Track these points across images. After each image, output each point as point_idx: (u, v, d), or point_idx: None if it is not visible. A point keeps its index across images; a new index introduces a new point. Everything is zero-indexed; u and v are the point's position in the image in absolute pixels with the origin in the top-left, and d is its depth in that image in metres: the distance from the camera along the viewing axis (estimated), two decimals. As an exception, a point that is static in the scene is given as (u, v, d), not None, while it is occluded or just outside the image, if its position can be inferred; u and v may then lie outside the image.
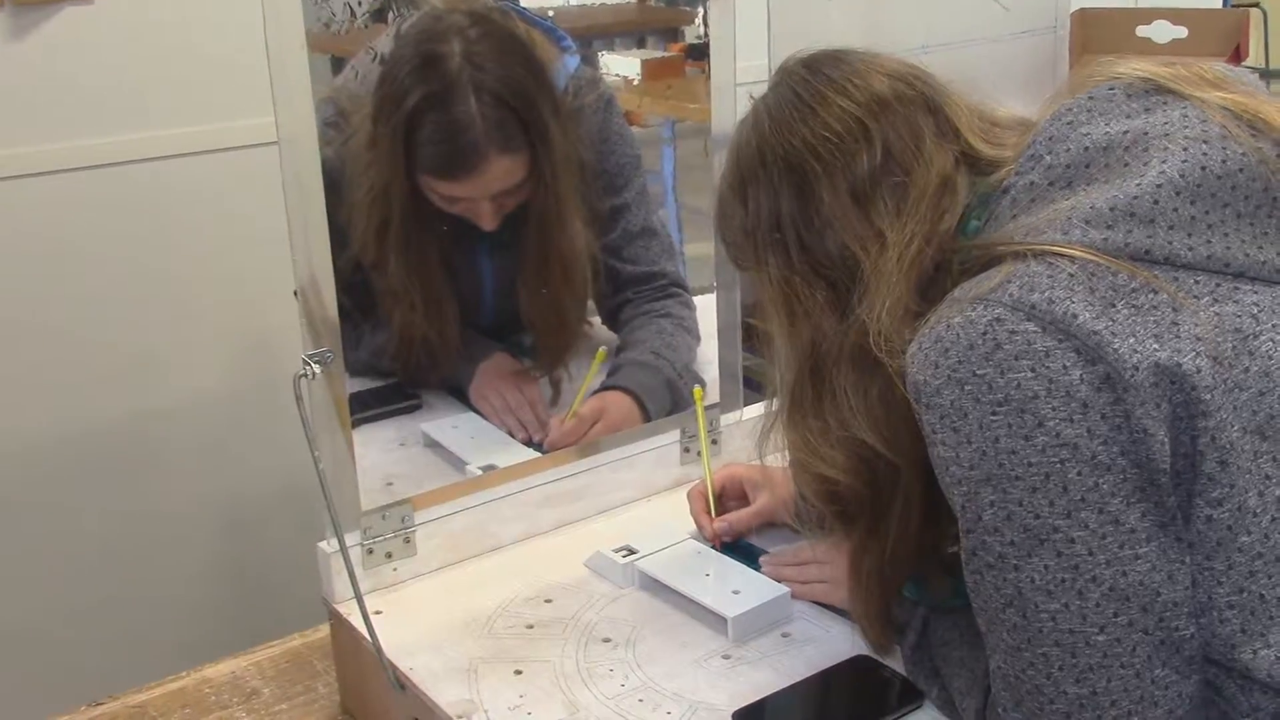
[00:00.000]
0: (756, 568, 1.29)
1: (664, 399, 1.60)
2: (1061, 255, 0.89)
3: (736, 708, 1.10)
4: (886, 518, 1.04)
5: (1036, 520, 0.87)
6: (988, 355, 0.87)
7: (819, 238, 1.02)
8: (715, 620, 1.21)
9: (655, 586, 1.28)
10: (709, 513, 1.36)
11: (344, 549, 1.20)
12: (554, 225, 1.57)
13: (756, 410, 1.53)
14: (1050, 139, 0.97)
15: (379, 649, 1.17)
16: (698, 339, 1.69)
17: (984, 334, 0.88)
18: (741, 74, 1.44)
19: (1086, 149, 0.95)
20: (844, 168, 1.01)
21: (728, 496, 1.39)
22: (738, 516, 1.35)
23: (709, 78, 1.45)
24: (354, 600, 1.19)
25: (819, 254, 1.03)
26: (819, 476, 1.06)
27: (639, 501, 1.46)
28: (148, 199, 2.13)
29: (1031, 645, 0.89)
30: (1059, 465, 0.86)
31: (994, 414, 0.87)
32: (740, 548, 1.34)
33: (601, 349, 1.63)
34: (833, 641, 1.19)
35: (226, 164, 2.16)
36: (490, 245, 1.62)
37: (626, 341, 1.68)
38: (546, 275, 1.61)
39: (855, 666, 1.14)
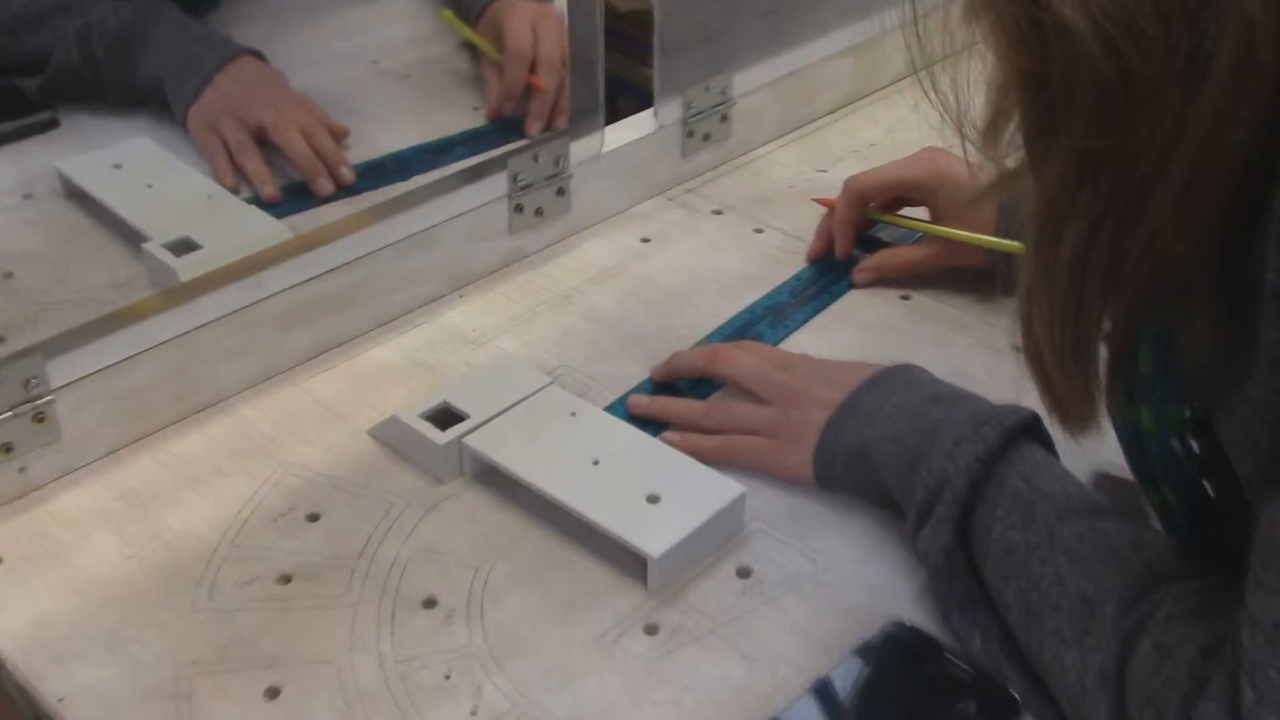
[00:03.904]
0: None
1: None
2: None
3: (695, 755, 0.59)
4: (1142, 139, 0.46)
5: None
6: None
7: None
8: (622, 555, 0.69)
9: (505, 483, 0.73)
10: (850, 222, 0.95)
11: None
12: None
13: (625, 136, 0.97)
14: None
15: (-10, 664, 0.61)
16: None
17: None
18: None
19: None
20: None
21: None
22: (899, 257, 0.94)
23: None
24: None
25: None
26: (1036, 46, 0.47)
27: (447, 301, 0.89)
28: None
29: None
30: None
31: None
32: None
33: (445, 10, 1.03)
34: (824, 572, 0.68)
35: None
36: None
37: None
38: None
39: (895, 646, 0.64)
